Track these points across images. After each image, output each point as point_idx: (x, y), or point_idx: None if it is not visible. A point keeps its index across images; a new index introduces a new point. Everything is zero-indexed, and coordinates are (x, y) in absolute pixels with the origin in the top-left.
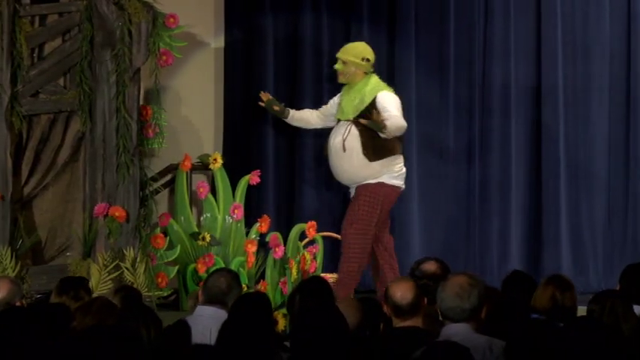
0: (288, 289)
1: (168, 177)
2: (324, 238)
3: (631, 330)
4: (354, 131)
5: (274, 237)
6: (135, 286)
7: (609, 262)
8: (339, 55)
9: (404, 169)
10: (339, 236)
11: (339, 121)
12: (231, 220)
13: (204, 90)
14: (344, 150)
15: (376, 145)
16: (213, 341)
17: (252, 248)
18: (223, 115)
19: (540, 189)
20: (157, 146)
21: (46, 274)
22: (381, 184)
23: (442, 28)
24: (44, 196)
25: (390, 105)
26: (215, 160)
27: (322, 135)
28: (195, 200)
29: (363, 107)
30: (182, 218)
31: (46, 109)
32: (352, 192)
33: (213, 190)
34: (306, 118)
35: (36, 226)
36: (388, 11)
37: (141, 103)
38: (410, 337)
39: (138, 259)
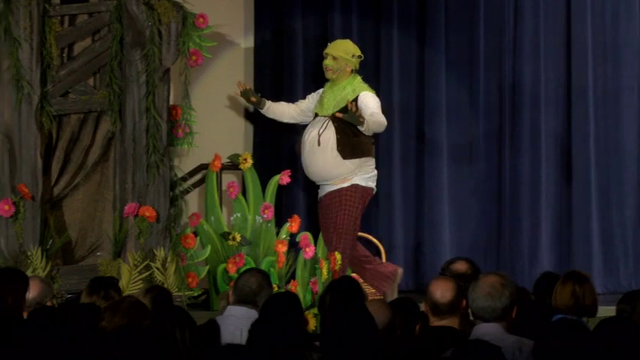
0: (318, 289)
1: (199, 177)
2: None
3: None
4: (331, 127)
5: (305, 237)
6: (165, 286)
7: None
8: (329, 50)
9: (375, 172)
10: (369, 236)
11: (316, 115)
12: (261, 220)
13: (233, 89)
14: (318, 144)
15: (351, 143)
16: (243, 341)
17: (283, 248)
18: (253, 114)
19: (570, 189)
20: (186, 146)
21: (77, 274)
22: (356, 187)
23: (472, 29)
24: (74, 196)
25: (371, 103)
26: (245, 159)
27: None
28: (225, 200)
29: (343, 105)
30: (212, 218)
31: (76, 109)
32: (321, 191)
33: (244, 190)
34: (281, 111)
35: (66, 226)
36: (418, 12)
37: (170, 103)
38: (444, 336)
39: (168, 259)
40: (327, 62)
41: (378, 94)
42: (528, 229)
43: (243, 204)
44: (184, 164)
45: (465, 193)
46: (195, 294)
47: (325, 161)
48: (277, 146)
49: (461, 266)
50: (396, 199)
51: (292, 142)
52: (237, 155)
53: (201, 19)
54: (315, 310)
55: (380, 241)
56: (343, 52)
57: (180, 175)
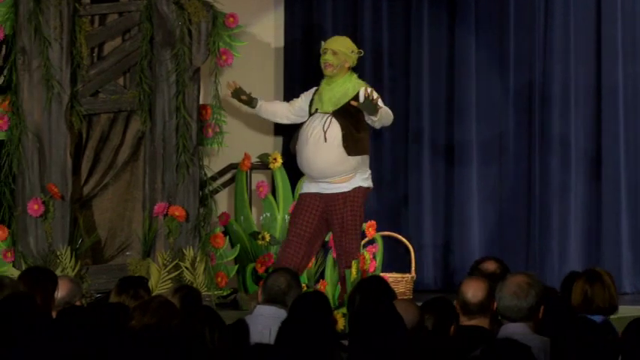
0: (347, 289)
1: (228, 176)
2: (383, 237)
3: None
4: (335, 123)
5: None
6: (194, 285)
7: None
8: (328, 45)
9: (369, 170)
10: (399, 236)
11: (314, 112)
12: None
13: (263, 89)
14: (325, 140)
15: (354, 139)
16: (272, 341)
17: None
18: None
19: (600, 189)
20: (216, 146)
21: (106, 274)
22: (358, 189)
23: (502, 27)
24: (104, 195)
25: (376, 96)
26: (275, 159)
27: (382, 134)
28: (254, 200)
29: (345, 101)
30: (242, 218)
31: (106, 108)
32: (314, 188)
33: (273, 190)
34: (274, 110)
35: (95, 225)
36: (448, 10)
37: (200, 102)
38: (474, 336)
39: (197, 259)
40: (328, 57)
41: (407, 94)
42: (558, 229)
43: (272, 203)
44: (214, 164)
45: (494, 193)
46: (225, 293)
47: (330, 157)
48: None
49: (490, 266)
50: (426, 198)
51: None
52: (266, 155)
53: (231, 19)
54: (344, 310)
55: (409, 241)
56: (343, 47)
57: (209, 174)
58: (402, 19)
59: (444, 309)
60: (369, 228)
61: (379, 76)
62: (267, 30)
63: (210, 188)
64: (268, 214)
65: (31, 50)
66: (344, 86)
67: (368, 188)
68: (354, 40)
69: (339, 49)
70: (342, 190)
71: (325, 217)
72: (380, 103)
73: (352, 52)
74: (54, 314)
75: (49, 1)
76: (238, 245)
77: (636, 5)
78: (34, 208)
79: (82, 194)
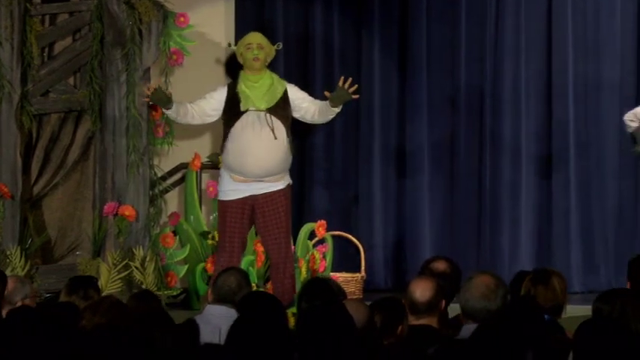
0: (297, 289)
1: (178, 176)
2: (333, 237)
3: None
4: (277, 120)
5: None
6: (144, 285)
7: (620, 261)
8: (253, 40)
9: None
10: (349, 235)
11: (245, 112)
12: None
13: (214, 89)
14: (275, 138)
15: (290, 137)
16: (222, 341)
17: (262, 247)
18: None
19: (550, 188)
20: (166, 145)
21: (56, 273)
22: (289, 187)
23: (454, 26)
24: (54, 195)
25: (305, 94)
26: None
27: (334, 134)
28: (204, 199)
29: (278, 97)
30: (192, 217)
31: (56, 108)
32: (247, 190)
33: None
34: (185, 110)
35: (46, 225)
36: (399, 8)
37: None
38: (422, 335)
39: (147, 258)
40: (257, 52)
41: (358, 90)
42: (508, 229)
43: None
44: (164, 163)
45: (445, 192)
46: (175, 293)
47: (280, 155)
48: None
49: (440, 265)
50: (376, 198)
51: None
52: (216, 154)
53: (182, 19)
54: (294, 309)
55: (360, 241)
56: (266, 40)
57: (159, 174)
58: (353, 17)
59: (393, 308)
60: (319, 228)
61: (330, 75)
62: (218, 29)
63: (161, 188)
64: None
65: None
66: (269, 82)
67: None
68: (306, 37)
69: (265, 43)
70: (279, 188)
71: (252, 218)
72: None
73: (272, 45)
74: (3, 313)
75: (0, 2)
76: (188, 245)
77: (587, 3)
78: None
79: (32, 194)
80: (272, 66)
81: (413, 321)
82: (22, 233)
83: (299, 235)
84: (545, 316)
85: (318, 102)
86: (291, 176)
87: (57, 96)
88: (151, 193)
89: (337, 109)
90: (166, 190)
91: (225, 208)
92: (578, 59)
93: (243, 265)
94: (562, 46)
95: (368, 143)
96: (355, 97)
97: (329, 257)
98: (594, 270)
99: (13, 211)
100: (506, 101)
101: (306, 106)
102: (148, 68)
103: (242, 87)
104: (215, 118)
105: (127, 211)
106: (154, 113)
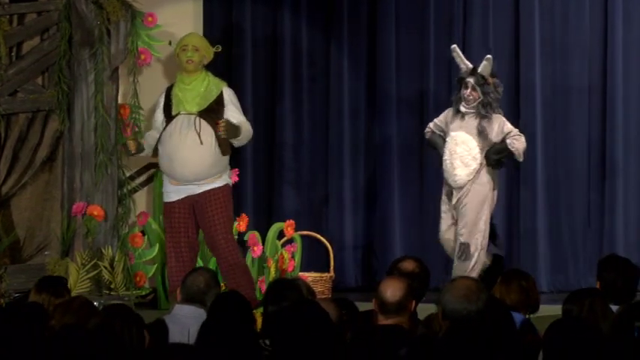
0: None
1: (147, 175)
2: (302, 237)
3: (610, 328)
4: (205, 124)
5: (253, 236)
6: (112, 285)
7: (588, 261)
8: (189, 41)
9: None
10: (318, 235)
11: (176, 115)
12: None
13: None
14: (202, 143)
15: (225, 139)
16: (191, 340)
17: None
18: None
19: (518, 186)
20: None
21: (25, 273)
22: (227, 186)
23: (422, 28)
24: (22, 194)
25: (238, 106)
26: None
27: (301, 135)
28: None
29: (211, 100)
30: (160, 217)
31: (24, 108)
32: (184, 191)
33: None
34: (152, 138)
35: (14, 224)
36: (368, 10)
37: (119, 102)
38: (392, 335)
39: (116, 258)
40: (190, 54)
41: (327, 93)
42: None
43: None
44: (132, 163)
45: (415, 192)
46: (143, 293)
47: (207, 159)
48: None
49: (409, 265)
50: (346, 198)
51: None
52: None
53: (150, 18)
54: (262, 310)
55: (330, 241)
56: (203, 43)
57: (128, 173)
58: (321, 20)
59: (348, 309)
60: (288, 227)
61: (299, 76)
62: (186, 29)
63: (129, 187)
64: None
65: None
66: (204, 84)
67: (231, 186)
68: (274, 39)
69: (200, 45)
70: (215, 186)
71: (194, 217)
72: (242, 119)
73: (209, 47)
74: None
75: None
76: (157, 244)
77: (555, 4)
78: None
79: (1, 194)
80: (241, 67)
81: (383, 320)
82: None
83: (267, 235)
84: (520, 316)
85: (240, 120)
86: (260, 175)
87: (25, 96)
88: (119, 192)
89: (236, 143)
90: (135, 190)
91: (167, 209)
92: (546, 61)
93: (211, 265)
94: (529, 48)
95: (337, 143)
96: (223, 136)
97: (298, 257)
98: (562, 270)
99: None
100: None
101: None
102: (117, 68)
103: (176, 90)
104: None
105: (96, 210)
106: (122, 112)
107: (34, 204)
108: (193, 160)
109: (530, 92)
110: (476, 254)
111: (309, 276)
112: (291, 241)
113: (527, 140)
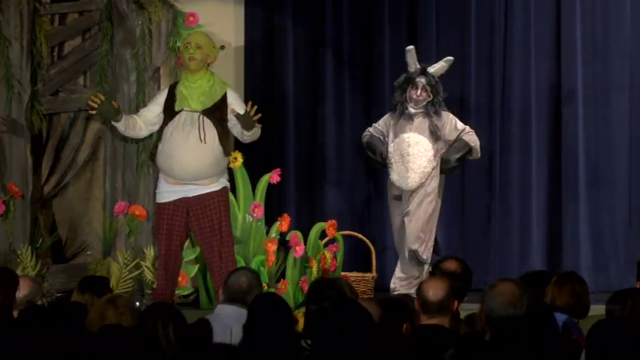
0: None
1: None
2: (344, 236)
3: None
4: (208, 122)
5: (295, 236)
6: (154, 285)
7: (630, 262)
8: (192, 39)
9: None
10: (360, 235)
11: (179, 112)
12: (251, 219)
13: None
14: (204, 142)
15: (228, 138)
16: (234, 340)
17: (273, 247)
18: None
19: (560, 188)
20: None
21: (66, 273)
22: (226, 189)
23: (463, 28)
24: (64, 194)
25: (243, 105)
26: (235, 158)
27: (344, 135)
28: None
29: (216, 99)
30: None
31: (66, 108)
32: (180, 192)
33: (234, 189)
34: (133, 122)
35: (56, 224)
36: (409, 10)
37: None
38: (434, 335)
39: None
40: (193, 52)
41: (369, 94)
42: (518, 228)
43: (233, 202)
44: None
45: (455, 193)
46: (185, 293)
47: (208, 158)
48: (268, 145)
49: (451, 265)
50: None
51: (283, 142)
52: None
53: (191, 18)
54: (303, 310)
55: (373, 241)
56: (207, 41)
57: None
58: (363, 22)
59: (397, 308)
60: (330, 227)
61: (340, 76)
62: (228, 29)
63: None
64: (230, 213)
65: None
66: (209, 83)
67: (229, 188)
68: (316, 40)
69: (204, 43)
70: (213, 190)
71: (187, 221)
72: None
73: (214, 47)
74: (15, 314)
75: (10, 1)
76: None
77: (596, 4)
78: None
79: (43, 193)
80: (283, 67)
81: (425, 320)
82: (33, 233)
83: (310, 235)
84: (562, 316)
85: None
86: (302, 175)
87: (67, 95)
88: None
89: (249, 133)
90: None
91: (160, 210)
92: (587, 61)
93: (253, 265)
94: (571, 48)
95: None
96: (258, 125)
97: (340, 257)
98: (603, 270)
99: (23, 210)
100: (516, 103)
101: (235, 121)
102: (158, 68)
103: (180, 87)
104: (159, 126)
105: (138, 210)
106: None
107: (76, 204)
108: (193, 158)
109: (571, 92)
110: (428, 258)
111: (351, 276)
112: (333, 241)
113: (569, 140)
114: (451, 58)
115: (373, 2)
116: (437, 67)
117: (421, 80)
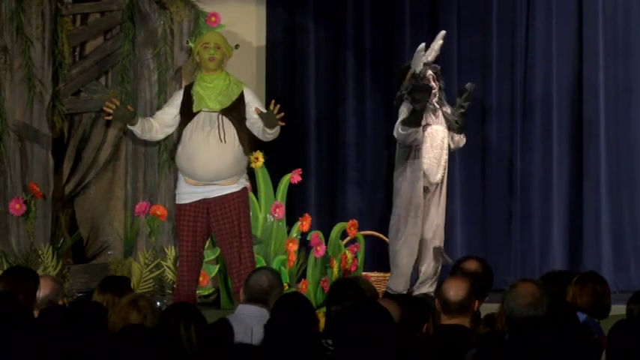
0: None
1: None
2: (365, 236)
3: None
4: (228, 122)
5: (315, 236)
6: (175, 285)
7: None
8: (211, 38)
9: None
10: (381, 235)
11: (197, 113)
12: (272, 219)
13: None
14: (224, 142)
15: (247, 137)
16: (254, 340)
17: (294, 247)
18: None
19: (581, 187)
20: None
21: (87, 273)
22: (245, 189)
23: (484, 30)
24: (86, 194)
25: (261, 103)
26: (257, 158)
27: (365, 135)
28: None
29: (234, 99)
30: None
31: (88, 107)
32: (201, 193)
33: (255, 189)
34: (149, 126)
35: (77, 224)
36: (430, 11)
37: None
38: (455, 335)
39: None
40: (213, 52)
41: (389, 92)
42: (539, 228)
43: (254, 202)
44: None
45: (476, 193)
46: (206, 293)
47: (229, 158)
48: (289, 145)
49: (472, 265)
50: None
51: (304, 142)
52: None
53: (213, 18)
54: (324, 310)
55: None
56: (224, 40)
57: None
58: (384, 22)
59: (418, 308)
60: (351, 227)
61: (361, 76)
62: (249, 29)
63: None
64: (250, 213)
65: (12, 50)
66: (225, 83)
67: (248, 189)
68: (337, 40)
69: (222, 43)
70: (233, 191)
71: (208, 221)
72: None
73: (230, 47)
74: (36, 313)
75: (31, 1)
76: None
77: (618, 5)
78: (16, 207)
79: (64, 193)
80: (304, 67)
81: (445, 320)
82: (54, 233)
83: (330, 235)
84: (583, 315)
85: None
86: (323, 175)
87: (88, 95)
88: None
89: (271, 131)
90: None
91: (180, 211)
92: (609, 61)
93: (274, 265)
94: (592, 48)
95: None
96: (282, 123)
97: (361, 257)
98: (624, 270)
99: (44, 210)
100: (537, 103)
101: (256, 118)
102: (180, 68)
103: (197, 88)
104: (174, 128)
105: (159, 210)
106: None
107: (98, 204)
108: (215, 158)
109: (593, 92)
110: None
111: (372, 276)
112: (354, 240)
113: (590, 141)
114: (443, 31)
115: (394, 2)
116: (434, 50)
117: (432, 73)
